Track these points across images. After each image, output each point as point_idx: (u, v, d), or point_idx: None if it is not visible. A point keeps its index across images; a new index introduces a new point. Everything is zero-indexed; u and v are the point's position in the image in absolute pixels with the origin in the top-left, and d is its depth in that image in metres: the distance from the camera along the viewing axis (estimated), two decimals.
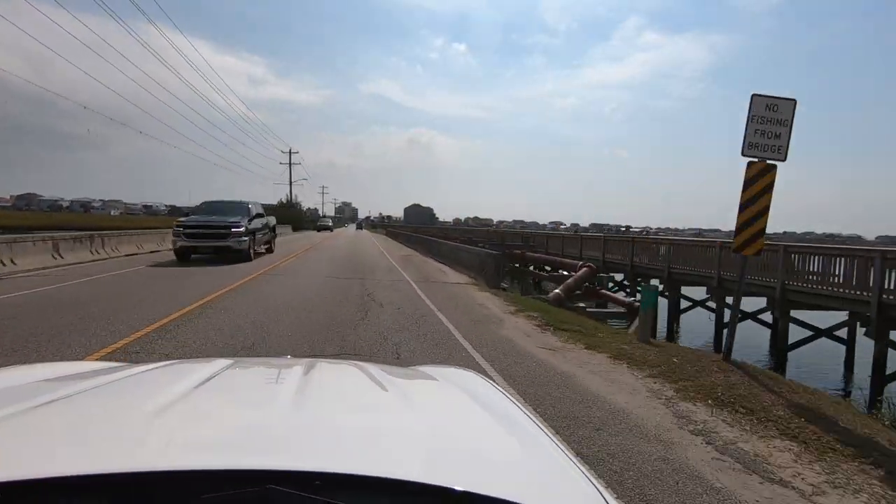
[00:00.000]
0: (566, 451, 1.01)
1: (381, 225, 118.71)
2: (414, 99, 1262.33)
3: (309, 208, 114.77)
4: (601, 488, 0.86)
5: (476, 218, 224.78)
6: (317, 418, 1.02)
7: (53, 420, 0.93)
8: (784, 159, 6.15)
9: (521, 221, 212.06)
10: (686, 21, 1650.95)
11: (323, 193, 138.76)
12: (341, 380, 1.45)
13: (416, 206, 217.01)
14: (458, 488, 0.72)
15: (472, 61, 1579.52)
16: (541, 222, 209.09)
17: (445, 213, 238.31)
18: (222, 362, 1.41)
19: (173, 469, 0.71)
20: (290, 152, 71.94)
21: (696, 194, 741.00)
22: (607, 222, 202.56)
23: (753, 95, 6.14)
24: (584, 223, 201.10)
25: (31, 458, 0.75)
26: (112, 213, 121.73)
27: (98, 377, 1.25)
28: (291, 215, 64.06)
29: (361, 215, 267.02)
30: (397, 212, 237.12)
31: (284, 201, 72.63)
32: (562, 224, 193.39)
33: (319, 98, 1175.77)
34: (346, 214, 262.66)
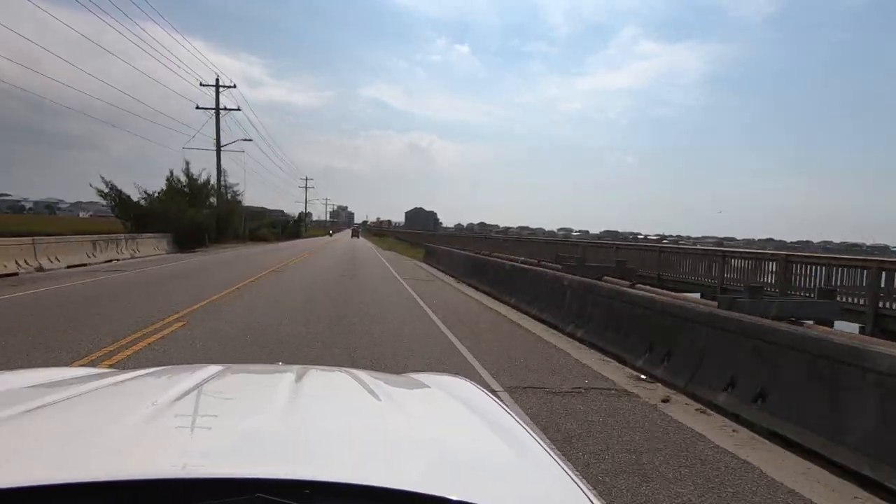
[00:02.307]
0: (558, 459, 0.99)
1: (387, 232, 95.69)
2: (414, 102, 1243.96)
3: (303, 212, 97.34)
4: (593, 497, 0.85)
5: (483, 223, 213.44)
6: (307, 426, 1.02)
7: (39, 427, 0.92)
8: None
9: (527, 227, 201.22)
10: (682, 31, 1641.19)
11: (306, 187, 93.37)
12: (333, 387, 1.45)
13: (418, 210, 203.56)
14: (453, 498, 0.71)
15: (473, 67, 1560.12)
16: (547, 228, 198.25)
17: (447, 218, 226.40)
18: (213, 369, 1.38)
19: (160, 477, 0.70)
20: (216, 84, 34.83)
21: (701, 200, 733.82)
22: (616, 229, 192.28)
23: None
24: (595, 230, 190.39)
25: (15, 465, 0.74)
26: (81, 214, 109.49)
27: (86, 383, 1.23)
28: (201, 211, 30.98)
29: (358, 220, 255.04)
30: (397, 216, 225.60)
31: (184, 181, 33.32)
32: (572, 231, 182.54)
33: (317, 100, 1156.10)
34: (341, 219, 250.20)
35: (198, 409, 1.10)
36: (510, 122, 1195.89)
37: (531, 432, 1.14)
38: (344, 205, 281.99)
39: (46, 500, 0.66)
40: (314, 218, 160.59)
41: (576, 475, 0.93)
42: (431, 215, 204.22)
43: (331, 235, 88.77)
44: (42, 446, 0.82)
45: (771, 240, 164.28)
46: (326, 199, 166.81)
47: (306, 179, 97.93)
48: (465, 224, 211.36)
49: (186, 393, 1.13)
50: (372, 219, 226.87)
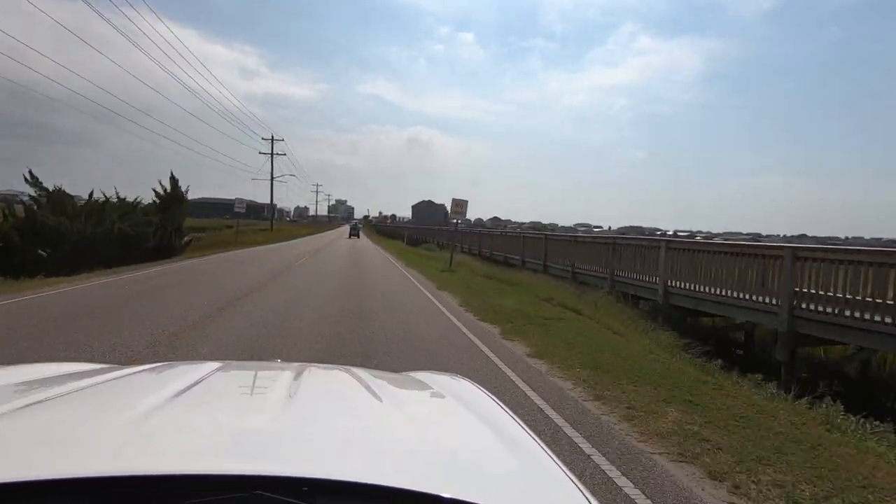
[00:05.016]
0: (557, 461, 0.98)
1: (393, 229, 66.48)
2: (414, 97, 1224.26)
3: (300, 207, 79.46)
4: (592, 499, 0.85)
5: (496, 218, 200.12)
6: (305, 424, 1.01)
7: (35, 423, 0.92)
8: None
9: (538, 222, 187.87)
10: (680, 26, 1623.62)
11: (273, 153, 53.50)
12: (332, 385, 1.45)
13: (427, 204, 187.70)
14: (445, 495, 0.71)
15: (474, 61, 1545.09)
16: (561, 223, 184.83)
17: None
18: (211, 365, 1.38)
19: (157, 473, 0.70)
20: None
21: (703, 198, 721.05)
22: (640, 224, 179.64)
23: None
24: (613, 225, 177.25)
25: (10, 461, 0.74)
26: None
27: (84, 379, 1.21)
28: None
29: (358, 214, 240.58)
30: (400, 210, 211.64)
31: None
32: (591, 226, 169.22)
33: (315, 94, 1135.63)
34: (339, 213, 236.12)
35: (196, 405, 1.09)
36: (510, 118, 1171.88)
37: (530, 433, 1.13)
38: (343, 199, 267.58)
39: (41, 497, 0.66)
40: (310, 213, 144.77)
41: (574, 476, 0.92)
42: (441, 208, 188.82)
43: (289, 241, 42.16)
44: (37, 442, 0.81)
45: (805, 235, 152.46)
46: (317, 185, 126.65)
47: (271, 138, 53.57)
48: (472, 219, 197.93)
49: (184, 389, 1.12)
50: (374, 213, 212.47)
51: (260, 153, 54.85)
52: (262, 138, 55.80)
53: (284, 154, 55.59)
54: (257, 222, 68.12)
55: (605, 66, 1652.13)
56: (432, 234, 46.94)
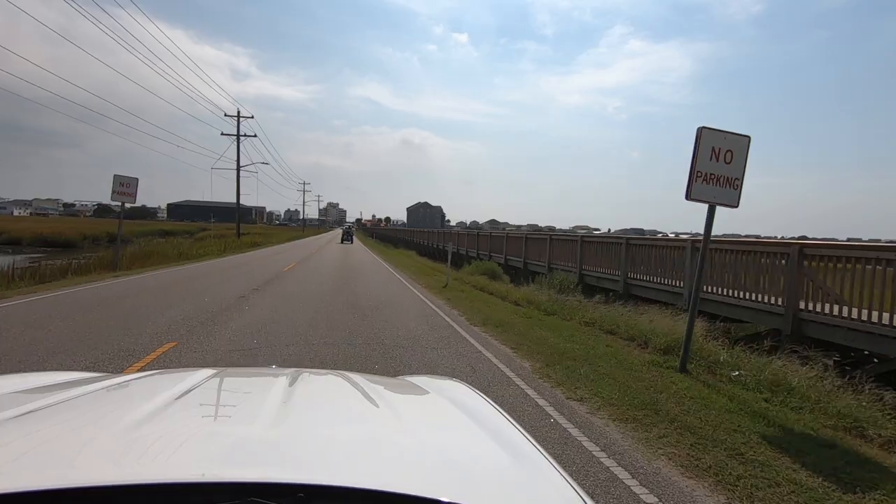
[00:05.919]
0: (555, 464, 0.98)
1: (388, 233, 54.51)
2: (408, 99, 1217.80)
3: (290, 210, 72.61)
4: (590, 502, 0.84)
5: (493, 221, 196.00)
6: (301, 430, 1.01)
7: (32, 431, 0.91)
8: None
9: (535, 225, 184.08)
10: (673, 29, 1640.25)
11: (239, 135, 39.93)
12: (327, 391, 1.43)
13: (423, 206, 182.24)
14: (443, 499, 0.72)
15: (468, 62, 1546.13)
16: (559, 226, 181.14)
17: (450, 216, 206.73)
18: (206, 372, 1.37)
19: (152, 482, 0.70)
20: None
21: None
22: (641, 226, 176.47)
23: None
24: (613, 227, 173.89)
25: (6, 470, 0.73)
26: (15, 212, 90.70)
27: (77, 388, 1.21)
28: None
29: (351, 217, 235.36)
30: (395, 213, 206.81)
31: None
32: (596, 229, 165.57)
33: (307, 95, 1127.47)
34: (331, 216, 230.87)
35: (189, 413, 1.08)
36: (506, 120, 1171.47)
37: (528, 436, 1.12)
38: (335, 201, 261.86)
39: None
40: (300, 216, 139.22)
41: (573, 480, 0.90)
42: (438, 210, 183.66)
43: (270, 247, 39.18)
44: (33, 451, 0.80)
45: (805, 236, 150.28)
46: (304, 183, 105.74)
47: (238, 116, 40.47)
48: (468, 222, 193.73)
49: (179, 397, 1.11)
50: (367, 216, 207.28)
51: (222, 134, 40.44)
52: (226, 115, 40.45)
53: (255, 135, 42.18)
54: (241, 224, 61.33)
55: (598, 68, 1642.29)
56: (458, 241, 28.18)
